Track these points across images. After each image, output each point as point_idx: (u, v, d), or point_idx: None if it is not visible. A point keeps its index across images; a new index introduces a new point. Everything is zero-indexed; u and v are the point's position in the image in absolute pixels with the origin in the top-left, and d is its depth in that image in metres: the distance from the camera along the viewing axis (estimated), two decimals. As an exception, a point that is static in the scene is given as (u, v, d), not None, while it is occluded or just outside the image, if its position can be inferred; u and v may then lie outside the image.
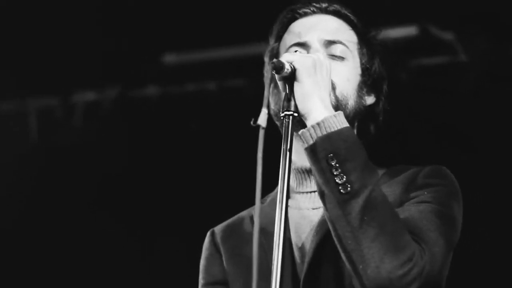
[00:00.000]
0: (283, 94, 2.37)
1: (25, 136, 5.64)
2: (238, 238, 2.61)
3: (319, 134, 2.31)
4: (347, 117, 2.40)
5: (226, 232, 2.66)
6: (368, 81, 2.62)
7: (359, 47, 2.64)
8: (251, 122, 2.14)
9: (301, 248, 2.48)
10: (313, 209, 2.53)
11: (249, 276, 2.04)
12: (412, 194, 2.42)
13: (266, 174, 2.12)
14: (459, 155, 4.60)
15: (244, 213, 2.70)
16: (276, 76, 2.36)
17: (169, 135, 5.38)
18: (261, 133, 2.11)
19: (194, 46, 5.23)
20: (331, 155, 2.28)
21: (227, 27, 4.93)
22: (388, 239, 2.22)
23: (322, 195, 2.30)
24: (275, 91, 2.55)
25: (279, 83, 2.41)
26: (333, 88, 2.50)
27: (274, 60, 2.34)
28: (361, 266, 2.22)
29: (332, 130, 2.31)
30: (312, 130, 2.32)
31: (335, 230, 2.27)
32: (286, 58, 2.37)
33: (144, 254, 5.43)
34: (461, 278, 3.06)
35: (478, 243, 4.23)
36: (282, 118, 2.31)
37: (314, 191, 2.50)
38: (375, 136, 2.66)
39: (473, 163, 4.52)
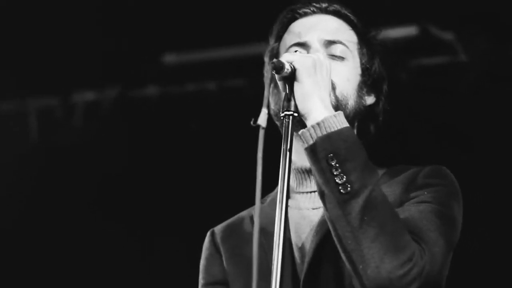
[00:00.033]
0: (283, 94, 2.37)
1: (25, 136, 5.64)
2: (238, 238, 2.61)
3: (319, 134, 2.31)
4: (347, 117, 2.40)
5: (226, 232, 2.66)
6: (368, 81, 2.62)
7: (359, 47, 2.64)
8: (251, 122, 2.14)
9: (301, 248, 2.48)
10: (313, 209, 2.53)
11: (249, 276, 2.04)
12: (412, 194, 2.42)
13: (266, 174, 2.12)
14: (459, 155, 4.60)
15: (244, 213, 2.70)
16: (276, 76, 2.36)
17: (169, 135, 5.38)
18: (261, 133, 2.11)
19: (194, 46, 5.23)
20: (331, 155, 2.28)
21: (227, 27, 4.93)
22: (388, 239, 2.23)
23: (322, 195, 2.30)
24: (275, 91, 2.55)
25: (279, 83, 2.41)
26: (333, 88, 2.50)
27: (274, 60, 2.34)
28: (361, 266, 2.22)
29: (332, 130, 2.31)
30: (312, 130, 2.32)
31: (335, 230, 2.27)
32: (286, 58, 2.37)
33: (144, 254, 5.43)
34: (461, 278, 3.06)
35: (478, 243, 4.23)
36: (282, 118, 2.31)
37: (314, 191, 2.51)
38: (375, 136, 2.66)
39: (473, 163, 4.52)
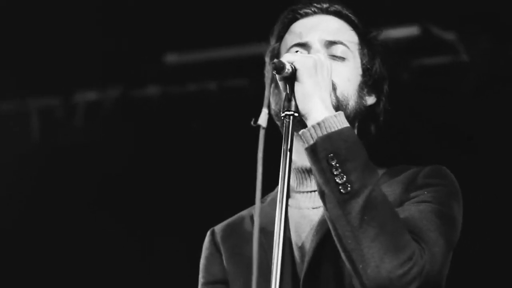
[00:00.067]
0: (283, 94, 2.37)
1: (27, 136, 5.65)
2: (238, 238, 2.61)
3: (320, 134, 2.31)
4: (347, 117, 2.40)
5: (226, 231, 2.66)
6: (368, 82, 2.62)
7: (360, 47, 2.64)
8: (252, 122, 2.15)
9: (301, 248, 2.48)
10: (313, 208, 2.54)
11: (249, 276, 2.04)
12: (412, 194, 2.42)
13: (267, 174, 2.12)
14: (459, 155, 4.60)
15: (244, 213, 2.70)
16: (277, 76, 2.36)
17: (170, 135, 5.38)
18: (262, 133, 2.12)
19: (195, 46, 5.23)
20: (332, 155, 2.28)
21: (228, 27, 4.93)
22: (388, 238, 2.23)
23: (322, 195, 2.30)
24: (276, 91, 2.56)
25: (280, 83, 2.42)
26: (334, 88, 2.50)
27: (275, 60, 2.34)
28: (361, 266, 2.22)
29: (333, 130, 2.31)
30: (312, 130, 2.32)
31: (335, 229, 2.28)
32: (287, 58, 2.37)
33: (144, 254, 5.43)
34: (461, 277, 3.07)
35: (478, 243, 4.23)
36: (282, 118, 2.32)
37: (314, 191, 2.51)
38: (375, 136, 2.67)
39: (474, 163, 4.52)
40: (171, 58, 5.31)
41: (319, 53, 2.50)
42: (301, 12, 2.66)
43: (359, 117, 2.59)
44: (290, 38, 2.63)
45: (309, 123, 2.33)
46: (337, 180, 2.26)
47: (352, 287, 2.29)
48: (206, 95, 5.34)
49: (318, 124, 2.31)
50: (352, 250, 2.23)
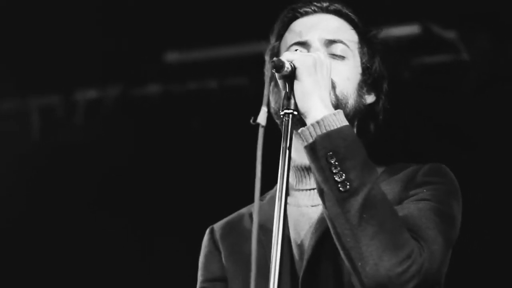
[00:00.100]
0: (283, 92, 2.37)
1: (27, 134, 5.65)
2: (237, 235, 2.62)
3: (319, 133, 2.31)
4: (347, 116, 2.41)
5: (226, 229, 2.67)
6: (368, 80, 2.63)
7: (359, 46, 2.65)
8: (251, 121, 2.15)
9: (300, 245, 2.49)
10: (312, 206, 2.54)
11: (248, 273, 2.05)
12: (411, 192, 2.43)
13: (267, 172, 2.13)
14: (460, 154, 4.60)
15: (243, 210, 2.71)
16: (276, 74, 2.36)
17: (170, 134, 5.38)
18: (261, 132, 2.13)
19: (196, 44, 5.23)
20: (331, 153, 2.28)
21: (228, 25, 4.93)
22: (387, 237, 2.23)
23: (321, 193, 2.30)
24: (275, 89, 2.56)
25: (279, 82, 2.41)
26: (333, 87, 2.51)
27: (274, 58, 2.34)
28: (360, 264, 2.23)
29: (332, 128, 2.31)
30: (311, 129, 2.32)
31: (334, 227, 2.28)
32: (286, 57, 2.38)
33: (144, 254, 5.43)
34: (460, 276, 3.07)
35: (478, 241, 4.24)
36: (282, 116, 2.32)
37: (314, 189, 2.51)
38: (375, 135, 2.67)
39: (474, 161, 4.52)
40: (172, 56, 5.32)
41: (319, 52, 2.50)
42: (301, 11, 2.66)
43: (359, 115, 2.59)
44: (290, 36, 2.64)
45: (308, 121, 2.33)
46: (336, 178, 2.26)
47: (351, 285, 2.29)
48: (206, 94, 5.35)
49: (317, 122, 2.32)
50: (351, 248, 2.24)
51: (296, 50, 2.56)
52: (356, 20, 2.67)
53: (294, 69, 2.35)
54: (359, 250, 2.23)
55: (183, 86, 5.41)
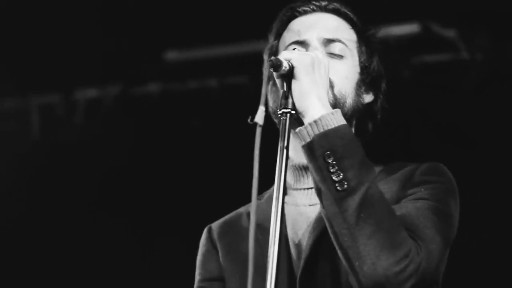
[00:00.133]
0: (281, 91, 2.37)
1: (27, 133, 5.65)
2: (235, 235, 2.61)
3: (316, 132, 2.31)
4: (345, 115, 2.41)
5: (223, 228, 2.67)
6: (366, 79, 2.62)
7: (358, 45, 2.64)
8: (248, 120, 2.15)
9: (298, 245, 2.48)
10: (310, 205, 2.54)
11: (245, 272, 2.04)
12: (409, 191, 2.43)
13: (265, 172, 2.12)
14: (460, 153, 4.60)
15: (241, 209, 2.70)
16: (274, 73, 2.35)
17: (170, 132, 5.38)
18: (258, 131, 2.13)
19: (196, 43, 5.24)
20: (328, 152, 2.28)
21: (228, 24, 4.93)
22: (384, 236, 2.23)
23: (319, 192, 2.30)
24: (273, 88, 2.56)
25: (277, 81, 2.41)
26: (331, 86, 2.50)
27: (272, 57, 2.34)
28: (357, 263, 2.22)
29: (329, 127, 2.31)
30: (309, 128, 2.32)
31: (332, 227, 2.28)
32: (284, 56, 2.37)
33: (144, 254, 5.43)
34: (458, 275, 3.07)
35: (476, 240, 4.23)
36: (279, 115, 2.31)
37: (311, 188, 2.51)
38: (373, 134, 2.67)
39: (474, 160, 4.52)
40: (171, 55, 5.32)
41: (317, 51, 2.50)
42: (300, 10, 2.66)
43: (357, 115, 2.59)
44: (288, 36, 2.63)
45: (306, 120, 2.33)
46: (333, 178, 2.26)
47: (348, 284, 2.29)
48: (206, 92, 5.35)
49: (315, 121, 2.31)
50: (348, 248, 2.23)
51: (294, 49, 2.55)
52: (354, 19, 2.67)
53: (292, 68, 2.35)
54: (357, 250, 2.22)
55: (183, 85, 5.41)
